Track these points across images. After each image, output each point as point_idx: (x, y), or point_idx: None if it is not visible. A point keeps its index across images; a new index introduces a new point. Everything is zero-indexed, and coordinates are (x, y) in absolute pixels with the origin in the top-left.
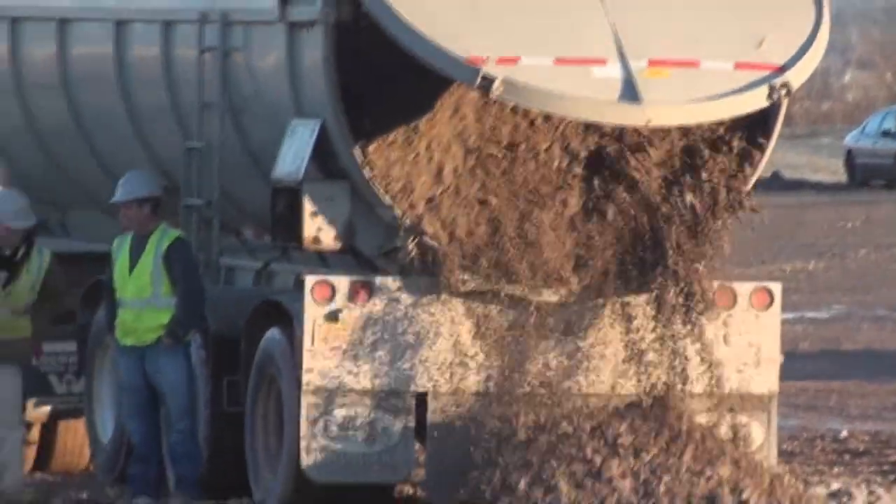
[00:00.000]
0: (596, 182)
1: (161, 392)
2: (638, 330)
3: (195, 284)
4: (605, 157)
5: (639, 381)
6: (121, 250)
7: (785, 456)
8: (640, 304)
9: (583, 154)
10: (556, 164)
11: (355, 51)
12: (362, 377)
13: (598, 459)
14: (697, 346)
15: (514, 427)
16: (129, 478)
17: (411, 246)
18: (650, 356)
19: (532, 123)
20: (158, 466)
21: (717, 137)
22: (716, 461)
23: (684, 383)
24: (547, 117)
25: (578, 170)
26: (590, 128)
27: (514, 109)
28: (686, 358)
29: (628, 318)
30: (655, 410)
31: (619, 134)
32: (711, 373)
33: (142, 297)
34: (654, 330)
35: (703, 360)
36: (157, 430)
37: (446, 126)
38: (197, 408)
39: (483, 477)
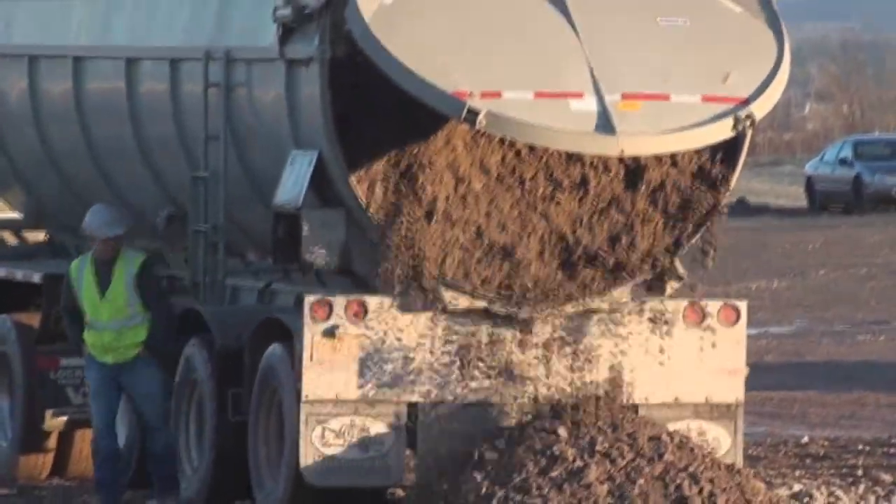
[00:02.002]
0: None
1: (137, 401)
2: (615, 343)
3: (165, 303)
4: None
5: (616, 390)
6: (83, 276)
7: (751, 460)
8: (615, 319)
9: (566, 182)
10: (540, 191)
11: (351, 86)
12: (357, 389)
13: (577, 464)
14: (670, 359)
15: (498, 434)
16: (98, 482)
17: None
18: (625, 367)
19: (518, 153)
20: (130, 465)
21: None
22: (687, 465)
23: (658, 393)
24: (531, 148)
25: (562, 196)
26: (572, 157)
27: (502, 140)
28: (659, 370)
29: (604, 333)
30: (631, 418)
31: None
32: (683, 383)
33: (119, 318)
34: (629, 342)
35: (675, 372)
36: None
37: (438, 156)
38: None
39: (468, 481)
